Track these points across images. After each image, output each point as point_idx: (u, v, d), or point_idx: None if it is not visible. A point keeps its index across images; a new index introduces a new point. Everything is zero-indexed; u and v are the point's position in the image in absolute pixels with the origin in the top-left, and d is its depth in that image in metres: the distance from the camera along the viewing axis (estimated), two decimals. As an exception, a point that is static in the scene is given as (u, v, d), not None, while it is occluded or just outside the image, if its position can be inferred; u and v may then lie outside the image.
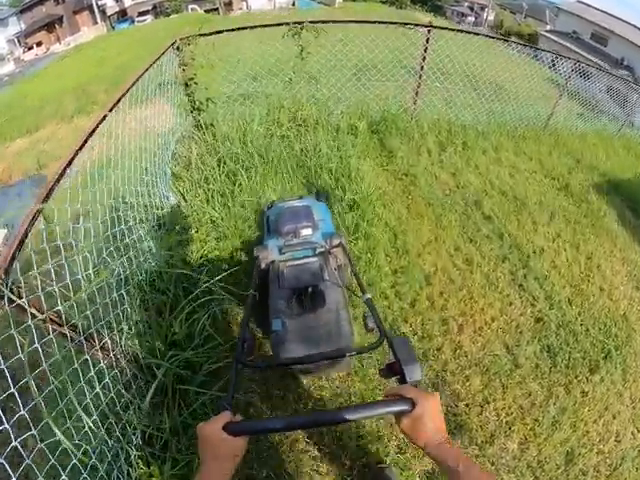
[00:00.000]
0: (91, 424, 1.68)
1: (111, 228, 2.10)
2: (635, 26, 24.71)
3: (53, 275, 1.59)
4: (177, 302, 2.31)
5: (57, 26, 33.19)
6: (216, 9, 34.79)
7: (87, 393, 1.73)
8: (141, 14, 34.88)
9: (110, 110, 1.90)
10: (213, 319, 2.31)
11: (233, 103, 4.32)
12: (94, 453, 1.70)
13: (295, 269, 1.67)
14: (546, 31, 30.86)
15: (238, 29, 3.88)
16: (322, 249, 1.74)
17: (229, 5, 35.90)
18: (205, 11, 33.98)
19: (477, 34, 5.55)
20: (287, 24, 4.02)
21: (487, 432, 2.18)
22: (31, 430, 1.43)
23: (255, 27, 4.01)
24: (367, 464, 2.01)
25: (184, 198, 3.24)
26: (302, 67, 4.29)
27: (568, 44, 26.49)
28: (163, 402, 1.99)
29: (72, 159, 1.59)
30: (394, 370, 1.00)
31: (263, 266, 1.71)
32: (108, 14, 34.94)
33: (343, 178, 3.50)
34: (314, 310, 1.48)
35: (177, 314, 2.22)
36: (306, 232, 1.83)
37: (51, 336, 1.59)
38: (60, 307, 1.63)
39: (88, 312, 1.79)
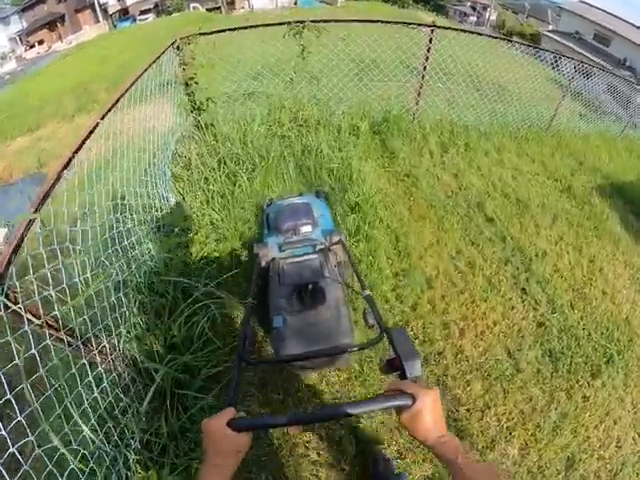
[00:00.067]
0: (88, 431, 1.67)
1: (109, 231, 2.08)
2: (638, 27, 24.64)
3: (50, 280, 1.57)
4: (176, 305, 2.29)
5: (59, 24, 33.22)
6: (218, 8, 34.74)
7: (85, 398, 1.72)
8: (143, 12, 34.87)
9: (102, 117, 1.86)
10: (212, 322, 2.29)
11: (234, 103, 4.30)
12: (92, 458, 1.69)
13: (295, 266, 1.67)
14: (548, 31, 30.81)
15: (239, 28, 3.86)
16: (322, 246, 1.74)
17: (231, 4, 35.85)
18: (207, 10, 33.95)
19: (480, 34, 5.52)
20: (288, 23, 3.99)
21: (488, 437, 2.16)
22: (29, 436, 1.41)
23: (256, 26, 3.99)
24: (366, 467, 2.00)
25: (184, 199, 3.22)
26: (303, 67, 4.25)
27: (571, 44, 26.45)
28: (161, 406, 1.97)
29: (66, 165, 1.56)
30: (394, 366, 1.00)
31: (263, 264, 1.71)
32: (110, 13, 34.97)
33: (344, 179, 3.48)
34: (314, 307, 1.48)
35: (176, 317, 2.21)
36: (306, 229, 1.83)
37: (48, 341, 1.57)
38: (57, 312, 1.61)
39: (86, 316, 1.78)
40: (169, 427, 1.93)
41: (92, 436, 1.69)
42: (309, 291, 1.51)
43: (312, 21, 3.97)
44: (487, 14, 37.56)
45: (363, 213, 3.16)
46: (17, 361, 1.40)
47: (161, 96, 3.27)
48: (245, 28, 3.90)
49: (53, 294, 1.60)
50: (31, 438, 1.43)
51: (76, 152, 1.67)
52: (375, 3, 35.65)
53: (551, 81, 7.73)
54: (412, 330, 2.61)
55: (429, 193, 3.90)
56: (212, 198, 3.19)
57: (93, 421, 1.73)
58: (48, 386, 1.56)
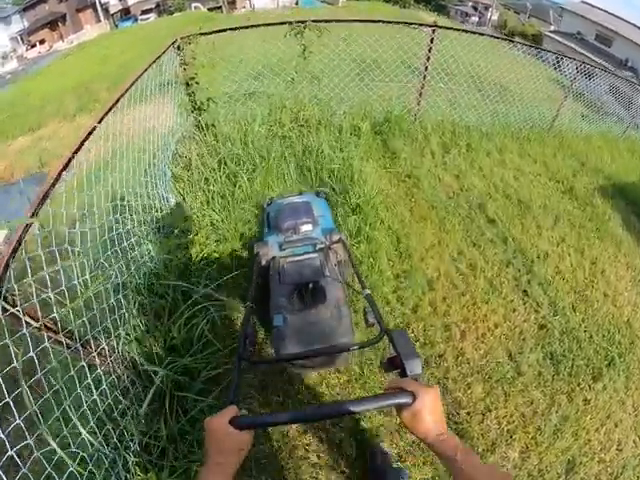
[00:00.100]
0: (86, 434, 1.66)
1: (109, 232, 2.07)
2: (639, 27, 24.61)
3: (49, 282, 1.56)
4: (176, 306, 2.29)
5: (60, 24, 33.25)
6: (219, 7, 34.75)
7: (84, 400, 1.71)
8: (144, 12, 34.89)
9: (101, 119, 1.85)
10: (212, 324, 2.28)
11: (235, 103, 4.28)
12: (91, 460, 1.68)
13: (295, 265, 1.66)
14: (550, 31, 30.77)
15: (239, 28, 3.84)
16: (322, 245, 1.74)
17: (232, 4, 35.86)
18: (208, 9, 33.96)
19: (482, 34, 5.50)
20: (290, 23, 3.97)
21: (488, 441, 2.15)
22: (27, 439, 1.42)
23: (257, 26, 3.97)
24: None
25: (184, 200, 3.21)
26: (305, 67, 4.24)
27: (572, 45, 26.40)
28: (161, 409, 1.96)
29: (64, 167, 1.55)
30: (395, 364, 1.01)
31: (263, 262, 1.71)
32: (111, 12, 35.00)
33: (345, 180, 3.46)
34: (315, 306, 1.48)
35: (176, 319, 2.20)
36: (306, 228, 1.83)
37: (47, 344, 1.56)
38: (56, 314, 1.61)
39: (85, 318, 1.77)
40: (168, 430, 1.92)
41: (91, 439, 1.68)
42: (309, 290, 1.51)
43: (313, 21, 3.95)
44: (489, 14, 37.52)
45: (364, 214, 3.15)
46: (15, 364, 1.39)
47: (161, 96, 3.26)
48: (246, 28, 3.88)
49: (52, 296, 1.59)
50: (30, 441, 1.43)
51: (75, 153, 1.66)
52: (376, 3, 35.64)
53: (553, 82, 7.72)
54: (413, 332, 2.60)
55: (430, 194, 3.89)
56: (212, 199, 3.17)
57: (92, 423, 1.72)
58: (47, 389, 1.56)
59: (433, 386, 0.85)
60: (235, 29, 3.81)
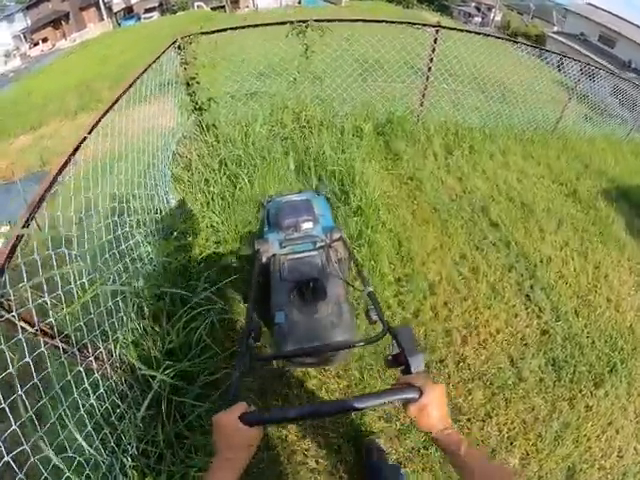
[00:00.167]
0: (82, 440, 1.64)
1: (107, 234, 2.04)
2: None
3: (45, 287, 1.54)
4: (175, 310, 2.26)
5: (63, 22, 33.30)
6: (222, 7, 34.76)
7: (81, 405, 1.70)
8: (147, 11, 34.96)
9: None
10: (211, 328, 2.26)
11: (236, 103, 4.26)
12: (88, 465, 1.67)
13: (296, 262, 1.65)
14: (553, 32, 30.69)
15: (241, 27, 3.82)
16: (322, 243, 1.72)
17: (235, 3, 35.88)
18: (212, 9, 33.99)
19: (487, 35, 5.48)
20: (291, 22, 3.95)
21: (488, 447, 2.13)
22: (24, 444, 1.41)
23: (258, 25, 3.95)
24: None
25: (184, 201, 3.19)
26: (307, 67, 4.21)
27: (576, 46, 26.33)
28: (158, 414, 1.94)
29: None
30: (399, 360, 1.02)
31: (264, 260, 1.68)
32: (114, 11, 35.04)
33: (347, 182, 3.44)
34: (316, 303, 1.46)
35: (174, 322, 2.18)
36: (307, 226, 1.80)
37: (43, 349, 1.55)
38: (52, 319, 1.59)
39: (82, 322, 1.75)
40: (165, 435, 1.90)
41: (86, 445, 1.66)
42: (310, 287, 1.48)
43: (315, 20, 3.92)
44: (492, 15, 37.48)
45: (365, 217, 3.12)
46: (11, 370, 1.38)
47: (162, 96, 3.24)
48: (247, 27, 3.86)
49: (48, 301, 1.58)
50: (26, 447, 1.42)
51: (72, 155, 1.64)
52: (379, 3, 35.61)
53: (557, 83, 7.68)
54: (414, 337, 2.57)
55: (433, 196, 3.86)
56: (212, 200, 3.15)
57: (89, 427, 1.71)
58: (43, 394, 1.54)
59: (439, 383, 0.88)
60: (236, 28, 3.78)
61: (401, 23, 4.71)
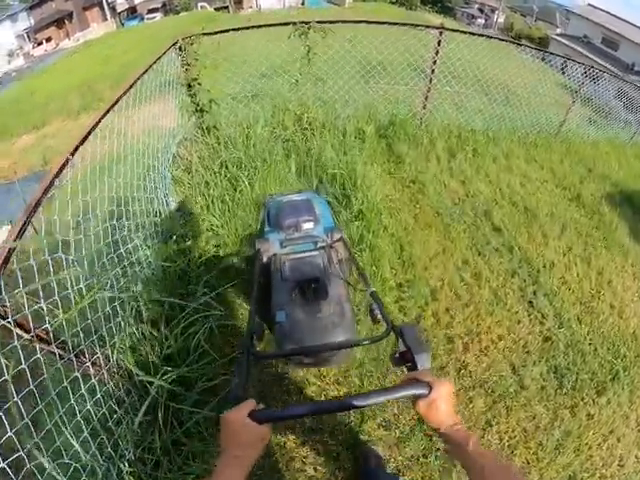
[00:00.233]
0: (78, 446, 1.63)
1: (105, 238, 2.02)
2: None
3: (41, 293, 1.53)
4: (173, 314, 2.24)
5: (67, 22, 33.38)
6: (226, 7, 34.79)
7: (77, 410, 1.68)
8: (150, 11, 35.02)
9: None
10: (209, 334, 2.23)
11: (237, 105, 4.23)
12: (84, 470, 1.65)
13: (297, 262, 1.64)
14: (557, 35, 30.64)
15: (243, 28, 3.79)
16: (323, 243, 1.71)
17: (239, 3, 35.92)
18: (215, 9, 34.01)
19: (490, 37, 5.45)
20: (294, 24, 3.92)
21: (488, 456, 2.10)
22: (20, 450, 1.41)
23: (260, 26, 3.92)
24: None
25: (184, 203, 3.17)
26: (309, 68, 4.19)
27: (579, 48, 26.27)
28: (155, 420, 1.92)
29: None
30: (406, 358, 1.02)
31: (264, 259, 1.67)
32: (118, 11, 35.11)
33: (349, 186, 3.41)
34: (317, 302, 1.45)
35: (173, 327, 2.16)
36: (307, 226, 1.79)
37: (39, 355, 1.54)
38: (48, 325, 1.57)
39: (78, 328, 1.74)
40: (161, 442, 1.88)
41: (81, 451, 1.64)
42: (311, 287, 1.48)
43: (318, 22, 3.90)
44: (495, 17, 37.44)
45: (367, 221, 3.09)
46: (6, 377, 1.37)
47: (164, 96, 3.23)
48: (249, 28, 3.84)
49: (44, 307, 1.56)
50: (21, 453, 1.41)
51: (70, 157, 1.62)
52: (383, 4, 35.64)
53: (560, 86, 7.64)
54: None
55: (435, 200, 3.83)
56: (212, 203, 3.12)
57: (86, 433, 1.69)
58: (39, 401, 1.53)
59: (447, 379, 0.92)
60: (238, 29, 3.76)
61: (404, 25, 4.69)
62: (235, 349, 2.38)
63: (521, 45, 5.84)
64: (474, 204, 3.90)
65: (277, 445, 2.04)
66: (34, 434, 1.47)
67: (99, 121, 1.91)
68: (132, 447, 1.85)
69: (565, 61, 6.18)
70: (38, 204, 1.51)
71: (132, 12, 35.91)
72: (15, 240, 1.33)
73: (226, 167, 3.39)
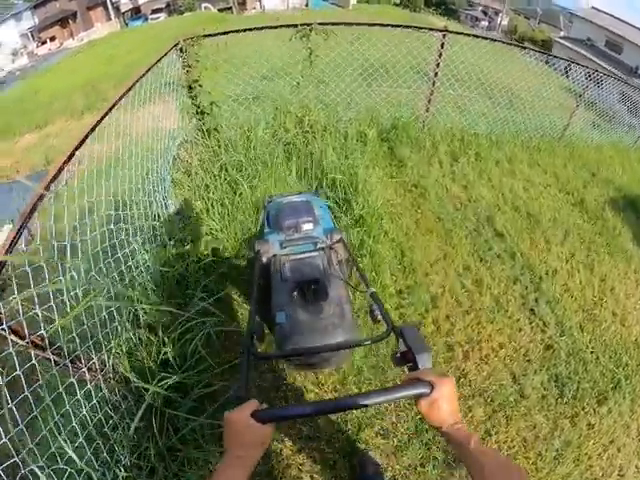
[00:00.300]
0: (72, 453, 1.61)
1: (102, 243, 2.00)
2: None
3: (36, 299, 1.51)
4: (171, 319, 2.22)
5: (71, 21, 33.46)
6: (229, 8, 34.83)
7: (72, 417, 1.67)
8: (154, 12, 35.03)
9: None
10: (207, 340, 2.21)
11: (238, 107, 4.21)
12: (80, 475, 1.64)
13: (297, 263, 1.64)
14: (560, 37, 30.55)
15: (243, 30, 3.78)
16: (323, 244, 1.71)
17: (243, 4, 35.97)
18: (219, 10, 34.03)
19: (494, 40, 5.42)
20: (295, 26, 3.90)
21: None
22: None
23: (261, 29, 3.90)
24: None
25: (183, 207, 3.15)
26: (311, 71, 4.16)
27: (582, 51, 26.19)
28: (149, 426, 1.90)
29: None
30: (407, 358, 1.02)
31: (264, 260, 1.67)
32: (122, 11, 35.18)
33: (350, 190, 3.38)
34: (317, 303, 1.45)
35: (170, 332, 2.14)
36: (307, 227, 1.79)
37: (34, 361, 1.53)
38: (43, 331, 1.56)
39: (74, 334, 1.72)
40: (155, 448, 1.86)
41: (75, 457, 1.62)
42: (312, 288, 1.48)
43: (319, 24, 3.88)
44: (499, 19, 37.37)
45: (367, 226, 3.06)
46: (1, 382, 1.36)
47: (166, 97, 3.21)
48: (250, 30, 3.82)
49: (39, 313, 1.54)
50: (16, 459, 1.41)
51: (66, 162, 1.60)
52: (386, 6, 35.64)
53: (564, 89, 7.60)
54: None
55: (437, 205, 3.81)
56: (212, 206, 3.10)
57: (81, 439, 1.68)
58: (34, 407, 1.52)
59: (449, 377, 0.88)
60: (238, 31, 3.74)
61: (407, 27, 4.66)
62: (233, 355, 2.36)
63: (525, 48, 5.80)
64: (476, 209, 3.87)
65: (274, 452, 2.02)
66: (28, 440, 1.46)
67: (95, 126, 1.89)
68: (128, 453, 1.83)
69: (569, 64, 6.15)
70: (33, 211, 1.50)
71: (136, 12, 35.96)
72: (7, 253, 1.31)
73: (226, 170, 3.37)
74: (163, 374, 1.97)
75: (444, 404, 0.84)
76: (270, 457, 2.00)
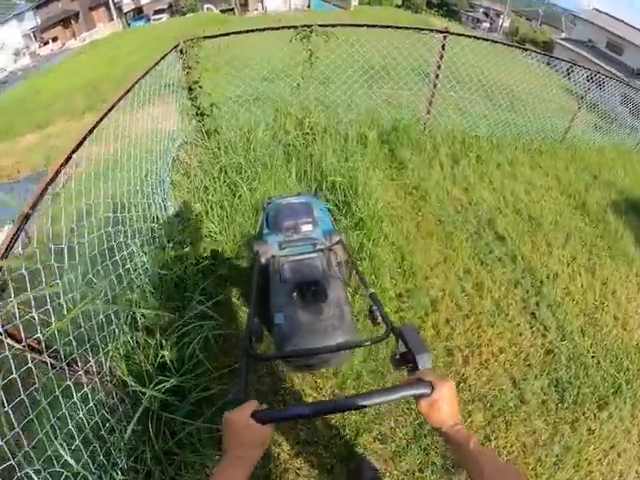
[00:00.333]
0: (68, 457, 1.60)
1: (100, 246, 2.00)
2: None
3: (33, 302, 1.51)
4: (169, 323, 2.21)
5: (73, 22, 33.51)
6: (231, 9, 34.87)
7: (69, 420, 1.66)
8: (157, 12, 35.05)
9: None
10: (204, 343, 2.20)
11: (239, 109, 4.20)
12: (76, 479, 1.64)
13: (296, 264, 1.64)
14: (561, 39, 30.54)
15: (244, 32, 3.77)
16: (322, 246, 1.71)
17: (245, 6, 35.99)
18: (221, 11, 34.07)
19: (495, 42, 5.41)
20: (295, 27, 3.89)
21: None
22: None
23: (262, 30, 3.90)
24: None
25: (182, 209, 3.14)
26: (311, 72, 4.15)
27: (584, 52, 26.16)
28: (146, 430, 1.89)
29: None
30: (407, 359, 1.03)
31: (263, 261, 1.67)
32: (124, 11, 35.22)
33: (349, 193, 3.37)
34: (316, 304, 1.46)
35: (168, 335, 2.13)
36: (306, 228, 1.79)
37: (30, 365, 1.52)
38: (40, 334, 1.55)
39: (71, 337, 1.71)
40: (152, 452, 1.85)
41: (70, 460, 1.62)
42: (311, 289, 1.49)
43: (320, 25, 3.86)
44: (500, 21, 37.39)
45: (367, 230, 3.05)
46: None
47: (164, 101, 3.20)
48: (251, 31, 3.81)
49: (36, 316, 1.53)
50: (12, 462, 1.41)
51: (63, 166, 1.59)
52: (388, 8, 35.66)
53: (566, 91, 7.58)
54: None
55: (438, 208, 3.79)
56: (211, 208, 3.09)
57: (78, 442, 1.68)
58: (30, 410, 1.51)
59: (449, 380, 0.89)
60: (239, 32, 3.73)
61: (407, 29, 4.65)
62: (231, 359, 2.35)
63: (526, 50, 5.78)
64: (477, 212, 3.85)
65: (271, 456, 2.01)
66: (25, 443, 1.46)
67: (93, 128, 1.88)
68: (125, 456, 1.83)
69: (571, 66, 6.13)
70: (28, 216, 1.49)
71: (138, 13, 36.01)
72: (3, 257, 1.30)
73: (225, 172, 3.36)
74: (161, 377, 1.96)
75: (444, 405, 0.85)
76: (268, 461, 1.99)
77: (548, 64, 5.99)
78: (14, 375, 1.42)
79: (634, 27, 25.47)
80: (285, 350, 1.41)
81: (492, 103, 5.65)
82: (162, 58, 2.92)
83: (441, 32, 4.39)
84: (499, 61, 5.41)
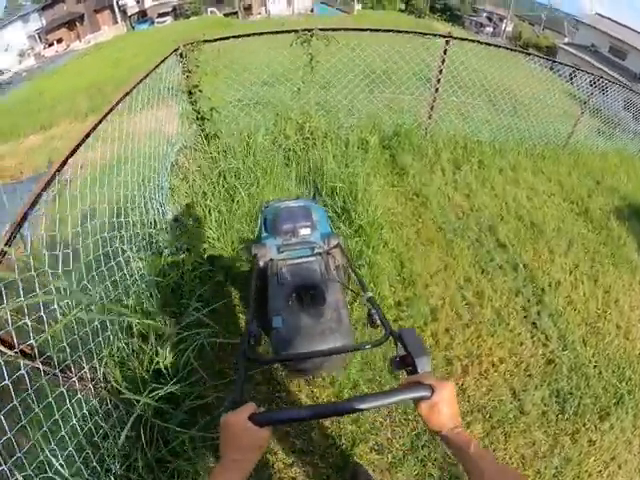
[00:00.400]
0: (58, 465, 1.59)
1: (95, 251, 1.98)
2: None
3: (26, 310, 1.49)
4: (164, 328, 2.19)
5: (78, 24, 33.74)
6: (235, 13, 35.03)
7: (62, 427, 1.65)
8: (161, 15, 35.32)
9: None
10: (200, 351, 2.18)
11: (239, 113, 4.19)
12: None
13: (295, 268, 1.64)
14: (564, 44, 30.54)
15: (245, 35, 3.76)
16: (320, 249, 1.71)
17: (248, 9, 36.16)
18: (224, 15, 34.24)
19: (498, 46, 5.40)
20: (296, 31, 3.87)
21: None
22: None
23: (262, 34, 3.88)
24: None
25: (180, 214, 3.12)
26: (312, 76, 4.13)
27: (587, 57, 26.14)
28: (138, 438, 1.86)
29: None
30: (406, 362, 1.01)
31: (261, 264, 1.66)
32: (128, 14, 35.43)
33: (349, 200, 3.34)
34: (314, 308, 1.46)
35: (163, 342, 2.10)
36: (305, 232, 1.79)
37: (23, 371, 1.51)
38: (33, 341, 1.53)
39: (64, 343, 1.70)
40: (144, 460, 1.83)
41: (61, 468, 1.61)
42: (309, 292, 1.49)
43: (320, 29, 3.85)
44: (503, 25, 37.45)
45: (367, 236, 3.02)
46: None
47: (166, 104, 3.19)
48: (252, 35, 3.80)
49: (29, 323, 1.52)
50: (4, 467, 1.41)
51: (58, 171, 1.58)
52: (391, 12, 35.82)
53: (569, 96, 7.56)
54: (412, 365, 2.48)
55: (439, 214, 3.76)
56: (209, 214, 3.06)
57: (71, 448, 1.67)
58: (22, 417, 1.50)
59: (449, 382, 0.88)
60: (239, 36, 3.72)
61: (409, 33, 4.64)
62: (227, 367, 2.34)
63: (529, 54, 5.77)
64: (478, 219, 3.82)
65: (266, 465, 1.99)
66: (17, 449, 1.45)
67: (89, 133, 1.87)
68: (118, 463, 1.82)
69: (574, 71, 6.11)
70: (24, 219, 1.48)
71: (142, 16, 36.22)
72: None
73: (224, 177, 3.34)
74: (155, 385, 1.94)
75: (444, 407, 0.84)
76: (263, 470, 1.97)
77: (551, 69, 5.98)
78: (6, 382, 1.42)
79: (637, 32, 25.41)
80: (282, 353, 1.41)
81: (495, 108, 5.63)
82: (162, 62, 2.91)
83: (444, 36, 4.37)
84: (502, 66, 5.39)
